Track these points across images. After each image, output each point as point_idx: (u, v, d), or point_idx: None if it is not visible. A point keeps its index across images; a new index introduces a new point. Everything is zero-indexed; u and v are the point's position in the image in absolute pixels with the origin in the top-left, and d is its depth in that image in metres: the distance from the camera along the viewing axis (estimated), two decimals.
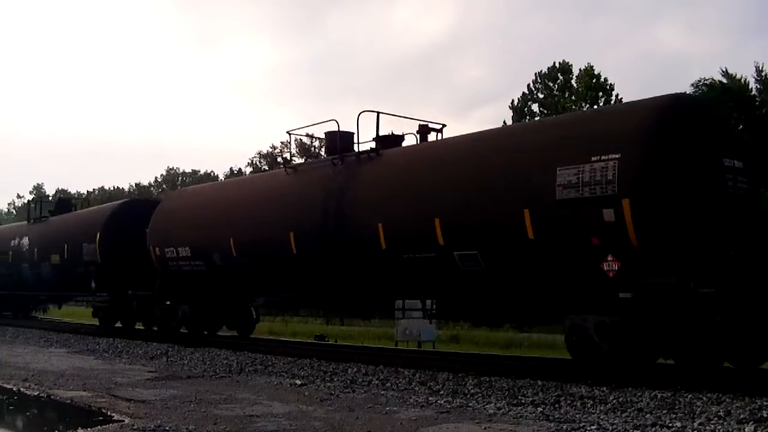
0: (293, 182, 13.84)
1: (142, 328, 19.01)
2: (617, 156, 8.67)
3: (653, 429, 6.22)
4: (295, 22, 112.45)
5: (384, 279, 11.97)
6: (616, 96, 37.65)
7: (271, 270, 13.91)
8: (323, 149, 15.79)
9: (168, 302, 16.81)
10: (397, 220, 11.21)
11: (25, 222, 25.36)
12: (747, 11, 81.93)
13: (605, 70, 43.27)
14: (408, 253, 11.09)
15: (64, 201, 24.78)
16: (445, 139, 12.77)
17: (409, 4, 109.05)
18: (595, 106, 35.93)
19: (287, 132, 14.88)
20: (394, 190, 11.56)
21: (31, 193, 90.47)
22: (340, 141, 13.33)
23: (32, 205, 24.97)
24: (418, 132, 12.91)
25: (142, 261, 17.33)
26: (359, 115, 12.98)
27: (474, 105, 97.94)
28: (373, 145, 12.90)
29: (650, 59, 78.78)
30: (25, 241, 23.17)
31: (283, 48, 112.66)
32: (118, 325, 20.15)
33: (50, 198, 24.24)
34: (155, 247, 16.59)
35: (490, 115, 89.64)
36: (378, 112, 13.06)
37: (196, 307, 16.10)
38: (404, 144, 13.30)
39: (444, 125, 12.98)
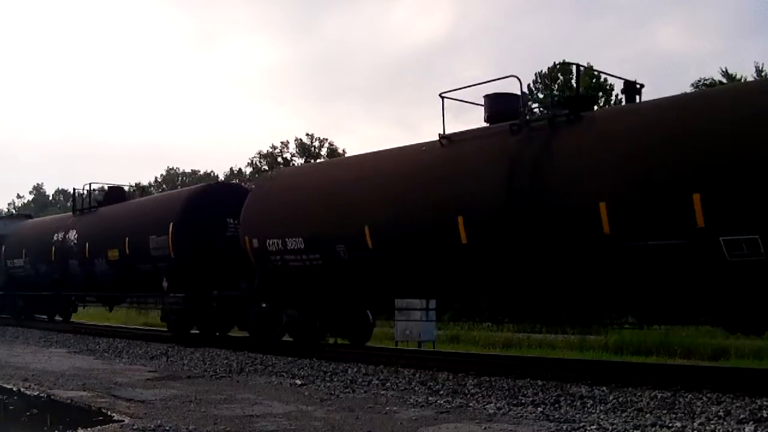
0: (454, 155, 11.01)
1: (217, 334, 16.62)
2: None
3: (653, 429, 6.22)
4: (293, 23, 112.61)
5: (601, 275, 9.37)
6: (616, 96, 37.64)
7: (425, 265, 11.11)
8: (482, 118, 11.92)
9: (264, 304, 14.27)
10: (626, 197, 8.71)
11: (70, 213, 22.45)
12: (744, 11, 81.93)
13: (604, 71, 43.30)
14: (640, 239, 8.59)
15: (116, 189, 21.63)
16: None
17: (405, 6, 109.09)
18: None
19: (440, 95, 11.37)
20: (618, 160, 8.93)
21: (30, 193, 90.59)
22: (505, 104, 11.07)
23: (81, 194, 21.44)
24: (623, 91, 10.53)
25: (224, 256, 15.45)
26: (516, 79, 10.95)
27: (471, 105, 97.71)
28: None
29: (649, 59, 78.77)
30: (72, 235, 20.31)
31: (281, 48, 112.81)
32: (195, 331, 16.83)
33: (90, 190, 20.93)
34: (251, 239, 14.00)
35: None
36: (577, 65, 11.35)
37: (307, 310, 13.66)
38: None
39: (642, 85, 10.57)
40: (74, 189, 21.97)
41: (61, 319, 24.36)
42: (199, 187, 17.96)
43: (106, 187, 21.52)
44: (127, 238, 17.37)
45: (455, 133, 11.24)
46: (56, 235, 21.18)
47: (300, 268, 13.18)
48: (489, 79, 11.54)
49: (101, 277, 18.92)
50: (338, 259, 12.31)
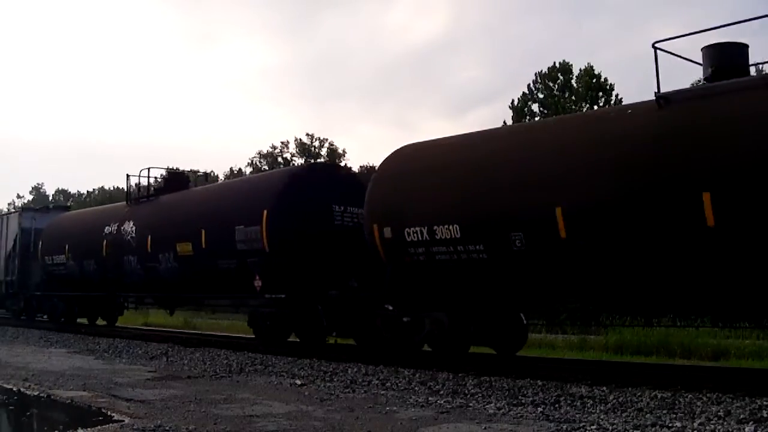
0: (684, 117, 8.76)
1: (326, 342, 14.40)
2: None
3: (653, 429, 6.22)
4: (290, 24, 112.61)
5: None
6: (616, 96, 37.64)
7: (647, 257, 8.84)
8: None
9: (390, 307, 12.13)
10: None
11: (123, 203, 19.76)
12: (740, 12, 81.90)
13: (603, 70, 43.36)
14: None
15: (178, 175, 19.15)
16: None
17: (402, 7, 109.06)
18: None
19: (653, 46, 9.17)
20: None
21: (30, 193, 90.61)
22: (732, 57, 9.11)
23: (137, 181, 18.80)
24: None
25: (330, 249, 13.37)
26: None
27: (469, 106, 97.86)
28: None
29: (646, 59, 78.71)
30: (129, 227, 17.70)
31: (279, 49, 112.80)
32: (293, 339, 14.71)
33: (148, 176, 18.60)
34: (382, 228, 11.76)
35: (486, 115, 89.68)
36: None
37: (458, 314, 11.24)
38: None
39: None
40: (127, 175, 19.29)
41: (105, 322, 22.29)
42: (300, 168, 15.91)
43: (164, 173, 19.16)
44: (203, 230, 14.90)
45: (676, 92, 9.03)
46: (107, 227, 18.62)
47: (452, 263, 10.82)
48: (711, 27, 9.08)
49: (166, 276, 16.45)
50: (510, 251, 9.99)
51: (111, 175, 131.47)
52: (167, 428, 6.54)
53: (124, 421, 7.03)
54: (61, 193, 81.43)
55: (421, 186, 11.46)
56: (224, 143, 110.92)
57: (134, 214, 18.09)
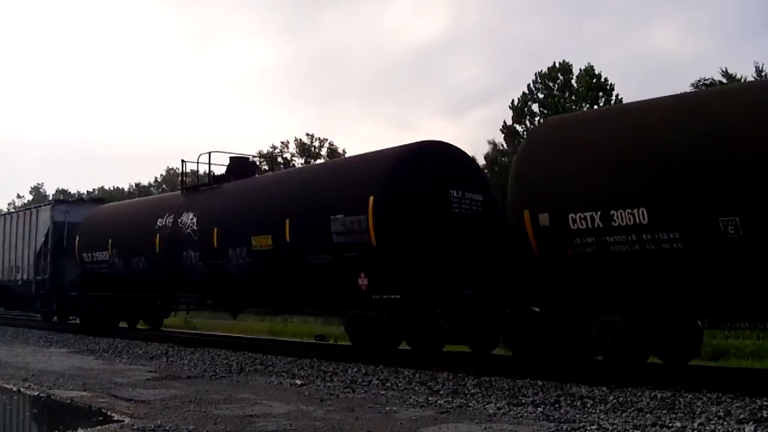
0: None
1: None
2: None
3: (653, 429, 6.22)
4: (290, 24, 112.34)
5: None
6: (617, 96, 37.66)
7: None
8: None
9: (537, 309, 10.41)
10: None
11: (177, 193, 17.97)
12: (737, 12, 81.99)
13: (603, 70, 43.30)
14: None
15: (242, 160, 16.98)
16: None
17: (401, 7, 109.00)
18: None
19: None
20: None
21: (30, 193, 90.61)
22: None
23: (188, 171, 18.28)
24: None
25: (449, 242, 11.61)
26: None
27: (469, 106, 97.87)
28: None
29: (645, 59, 78.80)
30: (188, 219, 15.65)
31: (278, 49, 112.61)
32: (403, 348, 12.89)
33: (209, 163, 16.54)
34: (536, 214, 9.81)
35: (486, 115, 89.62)
36: None
37: (636, 318, 9.51)
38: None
39: None
40: (183, 161, 17.86)
41: (149, 327, 20.55)
42: (411, 146, 12.26)
43: (227, 158, 17.11)
44: (287, 221, 12.92)
45: None
46: (160, 220, 16.54)
47: (632, 255, 8.94)
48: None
49: (237, 274, 14.44)
50: (719, 239, 8.11)
51: (111, 175, 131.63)
52: (167, 428, 6.54)
53: (124, 421, 7.04)
54: (61, 193, 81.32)
55: (594, 162, 9.42)
56: (224, 143, 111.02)
57: (194, 204, 15.98)
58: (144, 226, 17.01)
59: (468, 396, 8.44)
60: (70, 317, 22.09)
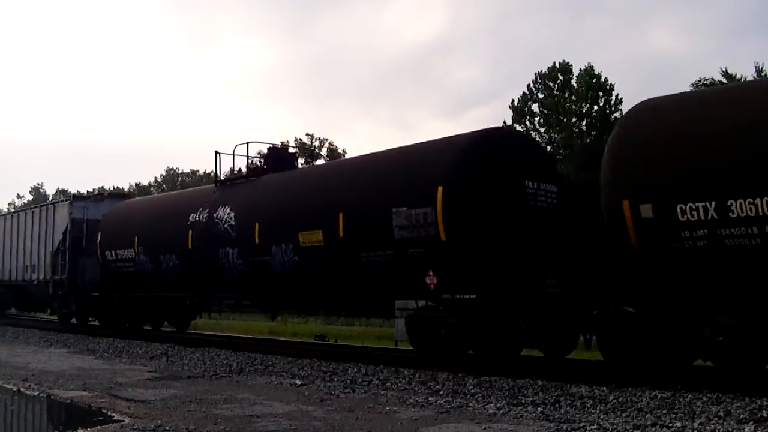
0: None
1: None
2: None
3: (653, 429, 6.22)
4: (287, 25, 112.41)
5: None
6: (616, 96, 37.65)
7: None
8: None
9: (631, 309, 9.42)
10: None
11: (211, 186, 16.95)
12: (738, 12, 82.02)
13: (603, 70, 43.30)
14: None
15: (281, 151, 15.88)
16: None
17: (398, 8, 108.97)
18: None
19: None
20: None
21: (30, 193, 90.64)
22: None
23: (216, 160, 15.89)
24: None
25: (523, 237, 10.81)
26: None
27: (468, 106, 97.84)
28: None
29: (643, 60, 78.83)
30: (225, 213, 14.57)
31: (276, 50, 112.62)
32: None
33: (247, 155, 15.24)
34: (637, 204, 8.95)
35: (485, 115, 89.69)
36: None
37: (756, 321, 8.50)
38: None
39: None
40: (216, 152, 15.97)
41: (174, 329, 19.23)
42: (483, 133, 11.36)
43: (264, 149, 16.19)
44: (341, 214, 11.95)
45: None
46: (193, 215, 15.47)
47: (753, 249, 8.08)
48: None
49: (282, 272, 13.33)
50: None
51: (111, 175, 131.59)
52: (167, 428, 6.54)
53: (124, 421, 7.04)
54: (61, 193, 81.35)
55: (706, 148, 8.60)
56: (224, 143, 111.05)
57: (230, 197, 14.90)
58: (174, 222, 15.89)
59: (468, 396, 8.44)
60: (90, 319, 21.15)
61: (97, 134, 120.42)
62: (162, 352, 14.25)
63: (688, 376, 8.62)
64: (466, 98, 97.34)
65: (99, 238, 18.76)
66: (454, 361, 10.72)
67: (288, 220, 13.06)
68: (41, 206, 23.68)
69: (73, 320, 21.59)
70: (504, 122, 40.82)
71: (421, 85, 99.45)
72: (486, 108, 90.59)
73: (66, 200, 22.06)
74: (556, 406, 7.59)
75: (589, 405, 7.58)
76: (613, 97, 37.60)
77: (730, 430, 6.15)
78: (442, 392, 8.80)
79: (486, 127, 12.01)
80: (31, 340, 17.96)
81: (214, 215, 14.81)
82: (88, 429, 6.76)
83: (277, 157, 15.61)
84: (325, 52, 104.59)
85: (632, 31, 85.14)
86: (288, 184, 14.17)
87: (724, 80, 32.28)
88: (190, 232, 15.36)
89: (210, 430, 6.52)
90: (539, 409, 7.39)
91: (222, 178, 16.35)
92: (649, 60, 79.33)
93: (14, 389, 9.51)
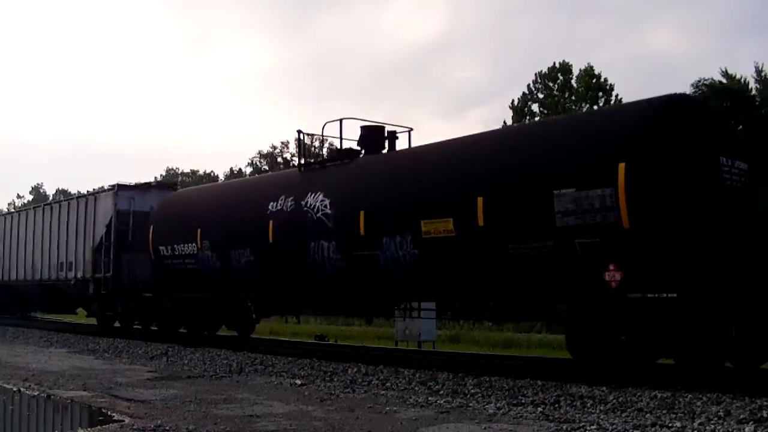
0: None
1: None
2: None
3: (653, 429, 6.22)
4: (286, 25, 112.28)
5: None
6: (616, 96, 37.66)
7: None
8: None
9: None
10: None
11: (292, 170, 15.93)
12: (737, 12, 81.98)
13: (603, 70, 43.24)
14: None
15: (374, 129, 13.48)
16: None
17: (397, 8, 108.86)
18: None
19: None
20: None
21: (30, 193, 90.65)
22: None
23: (300, 138, 14.70)
24: None
25: (718, 222, 9.12)
26: None
27: (467, 106, 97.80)
28: None
29: (641, 60, 78.79)
30: (317, 200, 12.56)
31: (275, 50, 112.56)
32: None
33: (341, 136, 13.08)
34: None
35: (484, 116, 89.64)
36: None
37: None
38: None
39: None
40: (299, 132, 14.40)
41: (235, 334, 17.16)
42: (666, 100, 9.52)
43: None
44: (480, 199, 10.09)
45: None
46: (274, 203, 13.38)
47: None
48: None
49: (394, 268, 11.45)
50: None
51: (111, 175, 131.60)
52: (167, 428, 6.54)
53: (124, 421, 7.04)
54: (61, 193, 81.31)
55: None
56: (223, 143, 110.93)
57: (322, 182, 12.86)
58: (249, 213, 13.84)
59: (468, 396, 8.44)
60: (136, 322, 19.07)
61: (97, 134, 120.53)
62: (162, 352, 14.24)
63: (688, 376, 8.61)
64: (466, 98, 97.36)
65: (151, 232, 16.58)
66: (638, 373, 9.01)
67: (404, 208, 11.23)
68: (78, 198, 21.58)
69: (116, 324, 19.68)
70: (504, 122, 40.86)
71: (421, 86, 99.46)
72: (486, 108, 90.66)
73: (110, 190, 19.65)
74: (556, 406, 7.59)
75: (589, 405, 7.58)
76: (613, 97, 37.63)
77: (730, 430, 6.14)
78: (442, 392, 8.80)
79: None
80: (31, 340, 17.97)
81: (303, 203, 12.74)
82: (88, 429, 6.76)
83: (374, 136, 13.32)
84: (325, 52, 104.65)
85: (632, 31, 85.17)
86: (402, 165, 12.18)
87: (724, 80, 32.27)
88: (271, 223, 13.22)
89: (210, 430, 6.52)
90: (539, 409, 7.39)
91: (309, 161, 14.19)
92: (649, 60, 79.33)
93: (14, 389, 9.52)
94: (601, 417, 6.87)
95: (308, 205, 12.67)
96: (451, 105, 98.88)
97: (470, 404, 7.80)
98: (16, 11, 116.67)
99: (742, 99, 30.27)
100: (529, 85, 40.70)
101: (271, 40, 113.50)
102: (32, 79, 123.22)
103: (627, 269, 8.94)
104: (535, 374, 9.60)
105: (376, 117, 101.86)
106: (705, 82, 32.11)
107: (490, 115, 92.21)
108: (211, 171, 74.19)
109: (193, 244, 15.20)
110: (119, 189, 19.35)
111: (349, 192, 12.32)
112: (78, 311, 24.52)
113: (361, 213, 11.74)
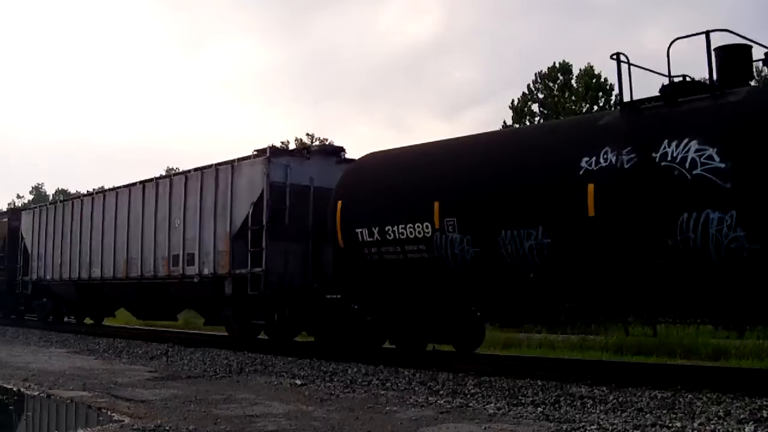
0: None
1: None
2: None
3: (653, 429, 6.22)
4: (282, 26, 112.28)
5: None
6: (616, 96, 37.64)
7: None
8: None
9: None
10: None
11: (605, 112, 11.36)
12: (737, 12, 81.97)
13: (603, 71, 43.22)
14: None
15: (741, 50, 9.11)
16: None
17: (393, 8, 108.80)
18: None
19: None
20: None
21: (30, 193, 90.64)
22: None
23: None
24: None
25: None
26: None
27: (465, 106, 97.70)
28: None
29: (643, 60, 78.61)
30: (690, 150, 8.27)
31: (272, 51, 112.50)
32: None
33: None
34: None
35: (482, 116, 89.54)
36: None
37: None
38: None
39: None
40: (618, 55, 9.41)
41: (454, 350, 12.88)
42: None
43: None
44: None
45: None
46: (589, 159, 9.10)
47: None
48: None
49: None
50: None
51: (111, 175, 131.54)
52: (167, 428, 6.54)
53: (124, 421, 7.04)
54: (61, 193, 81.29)
55: None
56: (223, 144, 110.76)
57: (686, 125, 8.63)
58: (542, 174, 9.67)
59: (468, 396, 8.44)
60: (294, 336, 14.90)
61: (97, 134, 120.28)
62: (162, 352, 14.24)
63: (688, 376, 8.63)
64: (463, 99, 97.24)
65: (338, 210, 12.21)
66: None
67: None
68: (204, 169, 15.77)
69: (262, 335, 15.25)
70: (504, 122, 40.86)
71: (417, 86, 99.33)
72: (483, 108, 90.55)
73: (258, 157, 14.54)
74: (556, 406, 7.59)
75: (589, 405, 7.58)
76: (613, 97, 37.62)
77: (730, 430, 6.15)
78: (442, 392, 8.80)
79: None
80: (31, 340, 17.96)
81: (655, 156, 8.59)
82: (88, 429, 6.76)
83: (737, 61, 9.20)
84: (321, 53, 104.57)
85: (630, 31, 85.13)
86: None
87: None
88: (591, 187, 9.01)
89: (210, 430, 6.52)
90: (539, 409, 7.39)
91: (645, 99, 9.38)
92: (649, 60, 79.06)
93: (14, 389, 9.52)
94: (601, 417, 6.87)
95: (671, 157, 8.47)
96: (449, 106, 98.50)
97: (470, 404, 7.80)
98: (16, 11, 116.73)
99: None
100: (528, 85, 40.68)
101: (267, 40, 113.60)
102: (32, 78, 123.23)
103: None
104: (535, 374, 9.60)
105: (375, 117, 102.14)
106: (705, 82, 32.12)
107: (488, 115, 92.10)
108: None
109: (426, 224, 10.83)
110: (272, 154, 14.47)
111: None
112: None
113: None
